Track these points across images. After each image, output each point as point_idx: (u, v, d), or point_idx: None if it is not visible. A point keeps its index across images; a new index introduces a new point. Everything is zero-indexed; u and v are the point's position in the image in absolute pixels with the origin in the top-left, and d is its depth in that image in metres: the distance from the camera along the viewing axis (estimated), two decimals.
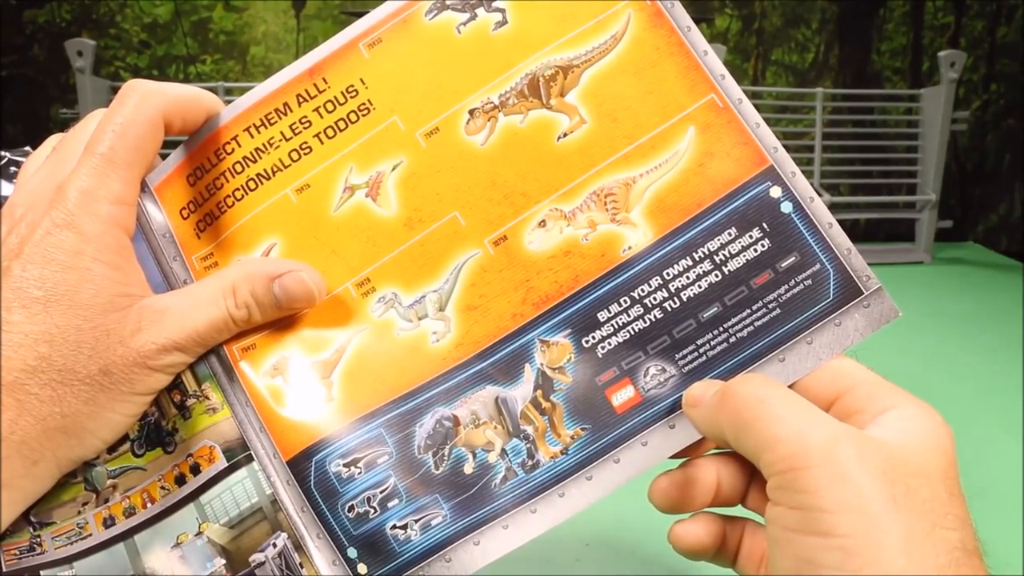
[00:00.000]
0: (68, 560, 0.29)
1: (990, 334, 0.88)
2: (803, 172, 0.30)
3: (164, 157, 0.32)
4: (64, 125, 1.24)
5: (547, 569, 0.45)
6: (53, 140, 0.31)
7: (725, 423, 0.26)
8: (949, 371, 0.78)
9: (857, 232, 1.29)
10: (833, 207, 0.32)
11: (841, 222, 0.30)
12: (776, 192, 0.29)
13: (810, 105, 1.19)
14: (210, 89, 0.32)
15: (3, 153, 0.40)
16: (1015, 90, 1.31)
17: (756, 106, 0.30)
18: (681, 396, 0.28)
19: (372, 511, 0.28)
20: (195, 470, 0.29)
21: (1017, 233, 1.37)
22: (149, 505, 0.29)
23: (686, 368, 0.29)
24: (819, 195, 0.29)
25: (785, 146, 0.30)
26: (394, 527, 0.28)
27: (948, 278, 1.11)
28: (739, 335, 0.29)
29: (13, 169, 0.39)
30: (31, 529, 0.29)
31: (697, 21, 0.30)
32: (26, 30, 1.16)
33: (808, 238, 0.29)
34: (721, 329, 0.29)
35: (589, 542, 0.48)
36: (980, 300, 1.00)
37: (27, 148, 0.41)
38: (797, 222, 0.29)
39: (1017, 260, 1.20)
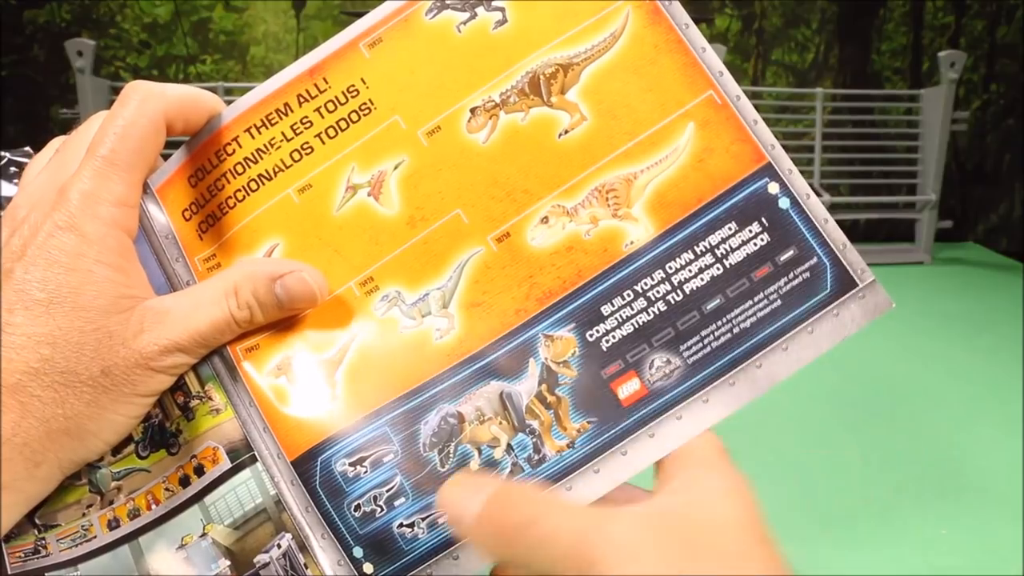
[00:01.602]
0: (73, 562, 0.29)
1: (990, 334, 0.88)
2: (803, 172, 0.30)
3: (166, 158, 0.32)
4: (64, 125, 1.24)
5: None
6: (56, 143, 0.31)
7: (503, 554, 0.25)
8: (949, 371, 0.78)
9: (857, 232, 1.30)
10: (833, 207, 0.32)
11: (841, 222, 0.30)
12: (774, 188, 0.29)
13: (810, 105, 1.19)
14: (210, 89, 0.32)
15: (3, 153, 0.40)
16: (1015, 90, 1.31)
17: (756, 106, 0.30)
18: (687, 386, 0.29)
19: (379, 510, 0.28)
20: (199, 471, 0.29)
21: (1017, 233, 1.37)
22: (154, 507, 0.29)
23: (691, 359, 0.29)
24: (819, 195, 0.30)
25: (785, 146, 0.30)
26: (401, 525, 0.28)
27: (948, 278, 1.11)
28: (742, 325, 0.29)
29: (13, 169, 0.39)
30: (36, 531, 0.29)
31: (697, 21, 0.30)
32: (26, 30, 1.16)
33: (805, 233, 0.29)
34: (724, 320, 0.29)
35: None
36: (980, 300, 1.00)
37: (27, 148, 0.41)
38: (794, 217, 0.29)
39: (1017, 260, 1.20)
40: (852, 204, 1.21)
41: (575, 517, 0.24)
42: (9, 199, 0.37)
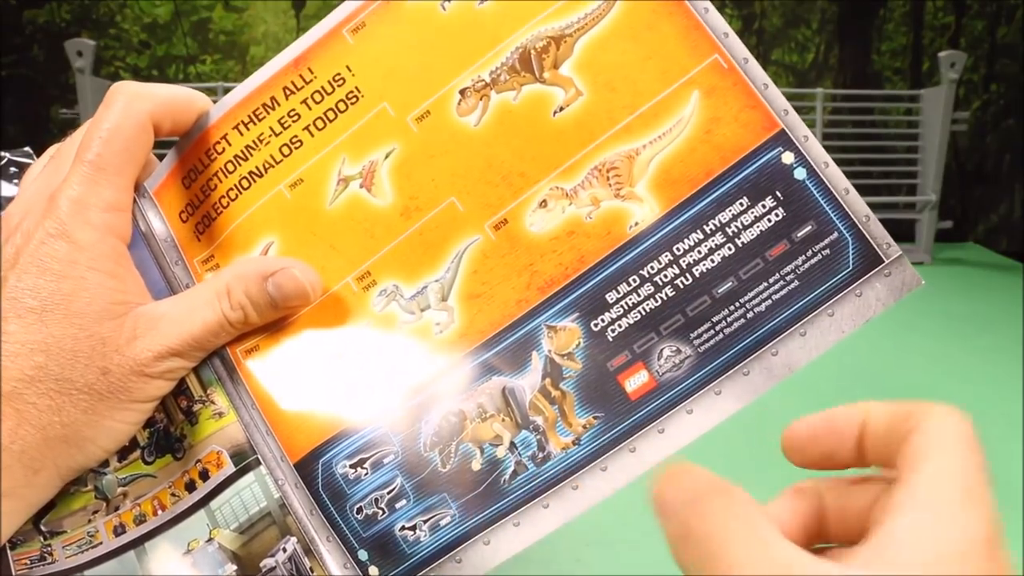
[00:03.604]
0: (79, 568, 0.29)
1: (990, 334, 0.88)
2: None
3: (162, 157, 0.32)
4: (64, 125, 1.24)
5: (547, 569, 0.45)
6: (53, 149, 0.31)
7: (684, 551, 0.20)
8: (949, 371, 0.78)
9: None
10: None
11: None
12: (788, 158, 0.28)
13: (810, 105, 1.19)
14: (210, 89, 0.32)
15: (3, 153, 0.40)
16: (1015, 90, 1.32)
17: None
18: (699, 377, 0.27)
19: (380, 512, 0.28)
20: (204, 476, 0.29)
21: (1017, 233, 1.37)
22: (160, 512, 0.29)
23: (702, 347, 0.27)
24: None
25: None
26: (403, 528, 0.28)
27: (948, 278, 1.11)
28: (756, 310, 0.27)
29: (13, 169, 0.40)
30: (41, 538, 0.29)
31: None
32: (26, 30, 1.16)
33: (824, 205, 0.27)
34: (737, 304, 0.27)
35: (589, 542, 0.48)
36: (980, 300, 1.00)
37: (27, 148, 0.41)
38: (812, 189, 0.27)
39: (1017, 260, 1.20)
40: None
41: (768, 559, 0.19)
42: (9, 199, 0.37)
